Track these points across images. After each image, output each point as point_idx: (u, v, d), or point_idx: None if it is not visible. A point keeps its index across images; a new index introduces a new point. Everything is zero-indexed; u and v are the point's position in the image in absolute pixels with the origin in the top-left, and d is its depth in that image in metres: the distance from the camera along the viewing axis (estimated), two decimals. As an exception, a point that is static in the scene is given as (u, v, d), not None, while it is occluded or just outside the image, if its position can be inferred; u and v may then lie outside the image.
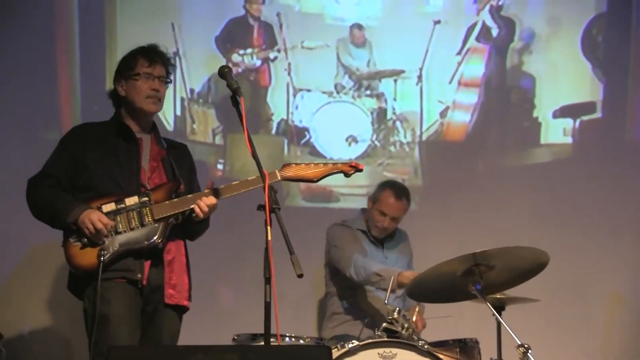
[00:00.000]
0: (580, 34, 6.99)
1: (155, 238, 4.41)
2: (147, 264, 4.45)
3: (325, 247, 5.92)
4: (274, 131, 6.83)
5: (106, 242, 4.36)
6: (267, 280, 3.71)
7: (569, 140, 6.98)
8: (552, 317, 6.58)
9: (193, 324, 4.67)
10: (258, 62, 6.84)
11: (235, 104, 4.00)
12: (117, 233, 4.39)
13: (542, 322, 6.45)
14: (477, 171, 6.94)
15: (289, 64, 6.84)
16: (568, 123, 6.96)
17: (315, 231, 6.06)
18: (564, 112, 6.97)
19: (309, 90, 6.87)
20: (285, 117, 6.83)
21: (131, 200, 4.43)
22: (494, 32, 6.98)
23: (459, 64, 6.94)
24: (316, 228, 6.08)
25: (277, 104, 6.83)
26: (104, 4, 6.67)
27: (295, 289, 6.02)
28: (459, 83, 6.94)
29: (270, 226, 3.74)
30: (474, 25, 6.96)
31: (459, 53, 6.94)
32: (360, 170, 4.59)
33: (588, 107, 6.99)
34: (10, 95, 6.41)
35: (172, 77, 4.72)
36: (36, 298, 6.29)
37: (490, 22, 6.97)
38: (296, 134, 6.83)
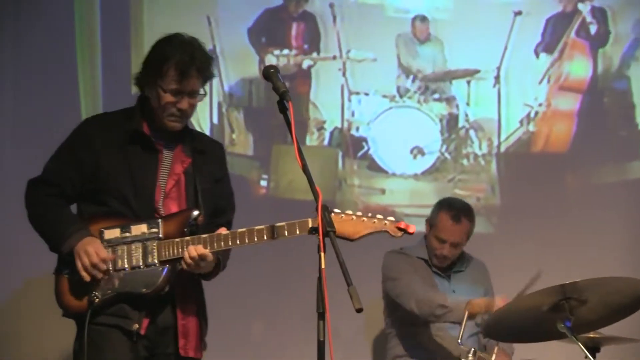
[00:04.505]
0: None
1: (156, 286, 4.26)
2: (149, 310, 4.31)
3: (382, 279, 5.92)
4: (326, 141, 6.85)
5: (101, 282, 4.23)
6: (321, 316, 3.67)
7: (675, 151, 6.94)
8: (655, 361, 6.53)
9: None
10: (295, 69, 6.83)
11: (283, 110, 3.93)
12: (117, 270, 4.26)
13: (643, 367, 6.41)
14: (565, 188, 6.90)
15: (344, 63, 6.86)
16: (675, 131, 6.93)
17: (371, 258, 6.04)
18: (669, 117, 6.93)
19: (367, 94, 6.88)
20: (339, 126, 6.85)
21: (138, 229, 4.28)
22: (592, 26, 6.93)
23: (554, 62, 6.91)
24: (373, 254, 6.07)
25: (329, 109, 6.85)
26: (128, -4, 6.77)
27: (349, 325, 6.02)
28: (558, 86, 6.90)
29: (324, 252, 3.73)
30: (569, 16, 6.92)
31: (550, 49, 6.91)
32: (410, 234, 4.29)
33: (698, 111, 6.95)
34: (28, 95, 6.51)
35: (207, 88, 4.48)
36: (46, 328, 6.37)
37: (587, 14, 6.92)
38: (352, 145, 6.84)
